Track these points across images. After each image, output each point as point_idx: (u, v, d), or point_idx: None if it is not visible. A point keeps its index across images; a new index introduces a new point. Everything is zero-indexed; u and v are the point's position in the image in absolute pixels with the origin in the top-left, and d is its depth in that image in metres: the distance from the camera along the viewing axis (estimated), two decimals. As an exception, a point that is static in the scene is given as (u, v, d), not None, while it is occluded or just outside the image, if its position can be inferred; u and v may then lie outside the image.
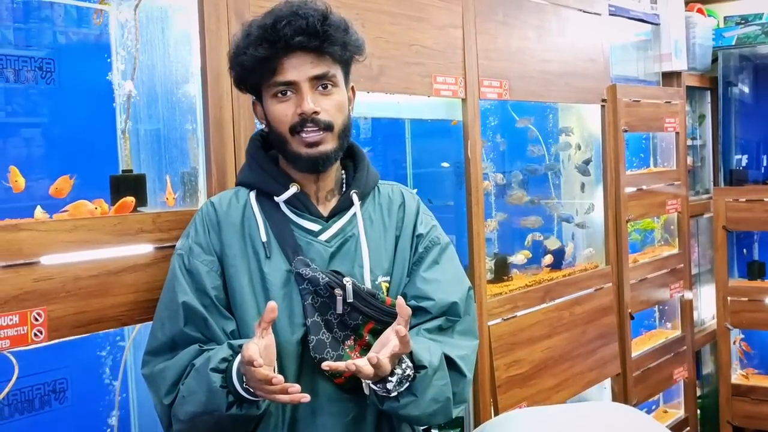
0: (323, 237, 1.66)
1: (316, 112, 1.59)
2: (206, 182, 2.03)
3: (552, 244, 3.52)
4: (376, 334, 1.62)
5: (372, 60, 2.46)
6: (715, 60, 4.67)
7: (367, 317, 1.64)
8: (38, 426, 2.10)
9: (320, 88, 1.62)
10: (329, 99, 1.62)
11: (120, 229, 1.79)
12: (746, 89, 4.93)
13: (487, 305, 2.89)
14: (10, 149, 2.09)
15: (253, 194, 1.70)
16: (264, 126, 1.72)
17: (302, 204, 1.67)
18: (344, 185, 1.76)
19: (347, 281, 1.61)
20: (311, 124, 1.59)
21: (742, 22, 4.76)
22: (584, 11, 3.53)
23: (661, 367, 3.99)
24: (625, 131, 3.70)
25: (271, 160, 1.74)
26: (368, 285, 1.65)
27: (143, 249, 1.82)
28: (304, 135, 1.60)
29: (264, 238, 1.64)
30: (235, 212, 1.68)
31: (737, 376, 4.58)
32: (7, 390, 1.84)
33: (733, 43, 4.67)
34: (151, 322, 1.70)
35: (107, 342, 2.18)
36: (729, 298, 4.38)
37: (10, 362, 1.77)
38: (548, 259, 3.46)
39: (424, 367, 1.54)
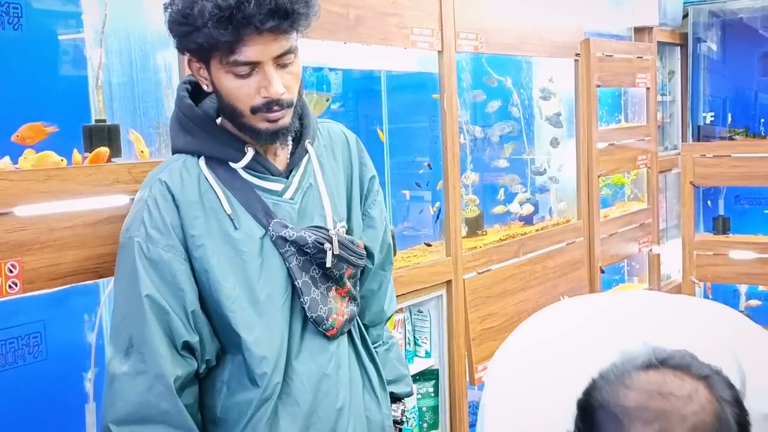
0: (287, 195, 1.61)
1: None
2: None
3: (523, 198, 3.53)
4: (352, 277, 1.69)
5: (349, 10, 2.41)
6: (685, 16, 4.69)
7: (349, 264, 1.64)
8: (13, 380, 2.07)
9: (281, 62, 1.50)
10: (290, 73, 1.52)
11: (94, 180, 1.74)
12: (715, 46, 4.96)
13: (462, 259, 2.90)
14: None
15: (203, 162, 1.57)
16: (207, 87, 1.56)
17: (260, 165, 1.59)
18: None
19: (333, 234, 1.60)
20: (276, 106, 1.51)
21: (713, -23, 4.77)
22: (559, -36, 3.51)
23: (629, 320, 4.05)
24: (598, 86, 3.71)
25: (211, 119, 1.60)
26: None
27: (119, 200, 1.78)
28: (267, 114, 1.51)
29: (229, 210, 1.54)
30: (191, 187, 1.54)
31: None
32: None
33: (704, -1, 4.69)
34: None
35: (83, 295, 2.15)
36: (695, 252, 4.46)
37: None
38: (527, 209, 3.46)
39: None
